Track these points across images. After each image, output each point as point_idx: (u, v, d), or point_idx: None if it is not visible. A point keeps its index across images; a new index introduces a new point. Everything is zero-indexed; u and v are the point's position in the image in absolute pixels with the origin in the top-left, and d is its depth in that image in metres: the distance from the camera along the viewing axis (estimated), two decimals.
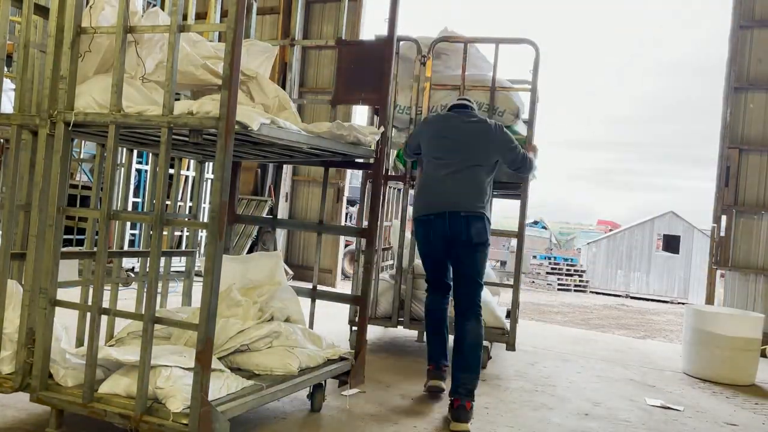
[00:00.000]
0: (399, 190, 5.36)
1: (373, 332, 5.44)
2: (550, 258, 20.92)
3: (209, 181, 8.03)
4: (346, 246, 12.36)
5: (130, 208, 6.80)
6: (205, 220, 2.33)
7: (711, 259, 7.35)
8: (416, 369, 4.36)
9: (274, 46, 3.51)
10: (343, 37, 3.51)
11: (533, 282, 18.54)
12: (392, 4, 3.33)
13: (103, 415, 2.38)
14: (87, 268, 3.59)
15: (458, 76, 4.65)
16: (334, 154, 3.19)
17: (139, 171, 8.03)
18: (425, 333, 4.02)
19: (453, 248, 3.49)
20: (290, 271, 9.40)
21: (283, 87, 3.58)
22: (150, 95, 2.71)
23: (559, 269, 19.13)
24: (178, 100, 2.68)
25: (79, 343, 3.03)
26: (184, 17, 3.08)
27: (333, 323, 5.08)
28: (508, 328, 4.74)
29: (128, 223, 4.13)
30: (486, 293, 4.51)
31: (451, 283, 3.68)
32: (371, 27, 9.48)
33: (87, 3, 2.62)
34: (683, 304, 13.98)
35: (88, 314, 2.58)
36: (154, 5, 7.65)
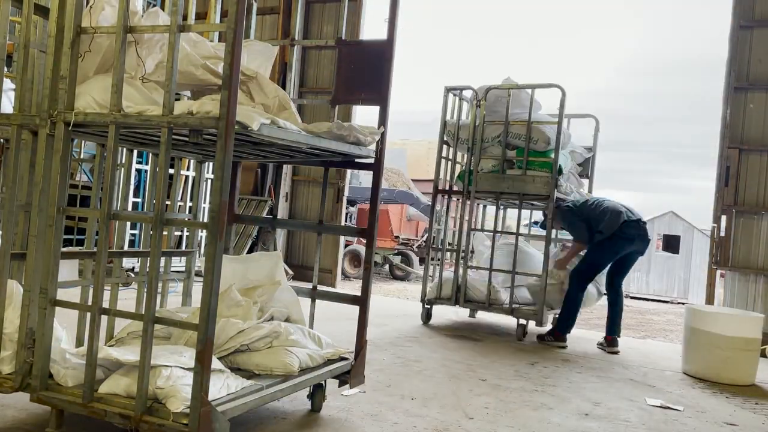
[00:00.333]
0: (459, 201, 6.79)
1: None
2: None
3: (209, 181, 8.03)
4: (346, 246, 12.37)
5: (130, 208, 6.81)
6: (205, 220, 2.33)
7: (711, 259, 7.35)
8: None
9: (274, 46, 3.51)
10: (343, 37, 3.51)
11: None
12: (392, 4, 3.33)
13: (103, 415, 2.38)
14: (87, 268, 3.59)
15: (506, 114, 6.26)
16: (334, 154, 3.19)
17: (139, 171, 8.04)
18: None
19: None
20: (290, 271, 9.40)
21: (283, 87, 3.58)
22: (150, 95, 2.71)
23: None
24: (178, 100, 2.68)
25: (79, 343, 3.03)
26: (184, 17, 3.07)
27: (333, 323, 5.08)
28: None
29: (128, 223, 4.13)
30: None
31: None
32: (371, 27, 9.51)
33: (87, 3, 2.61)
34: (683, 304, 13.97)
35: (88, 314, 2.58)
36: (154, 5, 7.65)
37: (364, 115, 9.15)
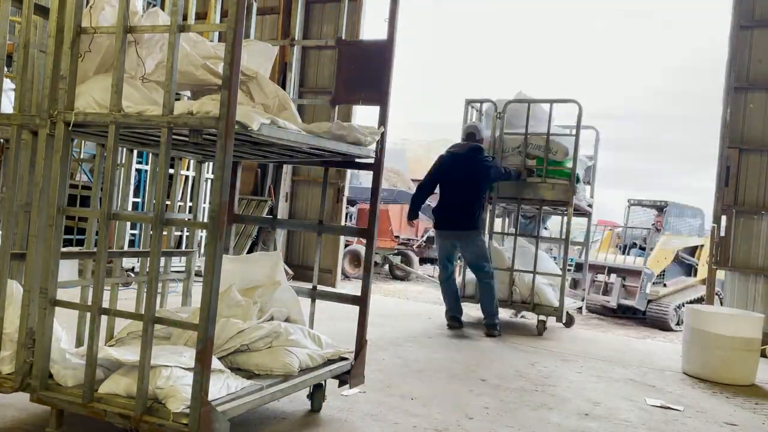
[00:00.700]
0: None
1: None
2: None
3: (209, 181, 8.03)
4: (346, 246, 12.36)
5: (130, 208, 6.80)
6: (205, 220, 2.33)
7: (711, 259, 7.34)
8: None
9: (274, 46, 3.51)
10: (343, 37, 3.51)
11: None
12: (392, 4, 3.33)
13: (103, 415, 2.38)
14: (87, 268, 3.59)
15: (524, 126, 6.67)
16: (334, 154, 3.19)
17: (139, 171, 8.03)
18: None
19: None
20: (290, 271, 9.40)
21: (283, 87, 3.57)
22: (150, 95, 2.71)
23: None
24: (178, 100, 2.68)
25: (79, 343, 3.03)
26: (184, 17, 3.07)
27: (333, 323, 5.08)
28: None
29: (128, 223, 4.13)
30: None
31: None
32: (371, 27, 9.50)
33: (87, 3, 2.61)
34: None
35: (88, 314, 2.58)
36: (154, 5, 7.65)
37: (364, 116, 9.14)
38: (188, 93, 3.28)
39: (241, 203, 9.63)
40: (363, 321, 3.36)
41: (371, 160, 3.35)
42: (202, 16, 8.89)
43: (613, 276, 10.27)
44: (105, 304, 2.60)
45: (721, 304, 8.06)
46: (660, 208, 11.11)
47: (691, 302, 9.97)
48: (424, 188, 6.47)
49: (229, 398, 2.54)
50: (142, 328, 2.38)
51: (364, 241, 3.59)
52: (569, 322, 7.21)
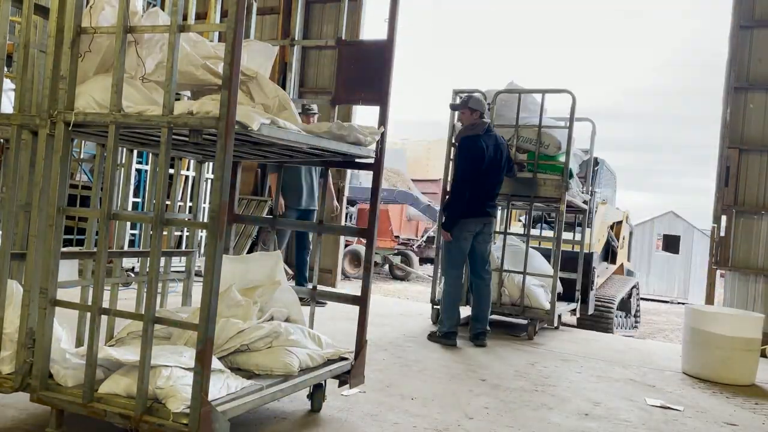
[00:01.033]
0: None
1: None
2: None
3: (209, 181, 8.03)
4: (346, 246, 12.37)
5: (130, 208, 6.80)
6: (205, 220, 2.33)
7: (711, 259, 7.35)
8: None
9: (274, 46, 3.51)
10: (343, 37, 3.51)
11: None
12: (392, 4, 3.33)
13: (103, 415, 2.38)
14: (87, 268, 3.59)
15: (516, 117, 6.29)
16: (334, 154, 3.19)
17: (139, 171, 8.03)
18: None
19: None
20: (290, 271, 9.40)
21: (283, 87, 3.57)
22: (150, 95, 2.71)
23: None
24: (178, 100, 2.68)
25: (79, 343, 3.03)
26: (184, 17, 3.07)
27: (333, 323, 5.08)
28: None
29: (128, 223, 4.13)
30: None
31: None
32: (371, 27, 9.50)
33: (87, 3, 2.61)
34: (683, 304, 13.95)
35: (88, 314, 2.58)
36: (154, 5, 7.65)
37: (364, 116, 9.15)
38: (188, 93, 3.28)
39: (241, 203, 9.63)
40: (363, 321, 3.36)
41: (371, 160, 3.35)
42: (202, 16, 8.89)
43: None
44: (105, 304, 2.60)
45: None
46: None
47: (624, 298, 8.39)
48: (473, 183, 5.43)
49: (229, 398, 2.54)
50: (142, 328, 2.38)
51: (364, 241, 3.59)
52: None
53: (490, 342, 5.87)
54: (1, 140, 6.40)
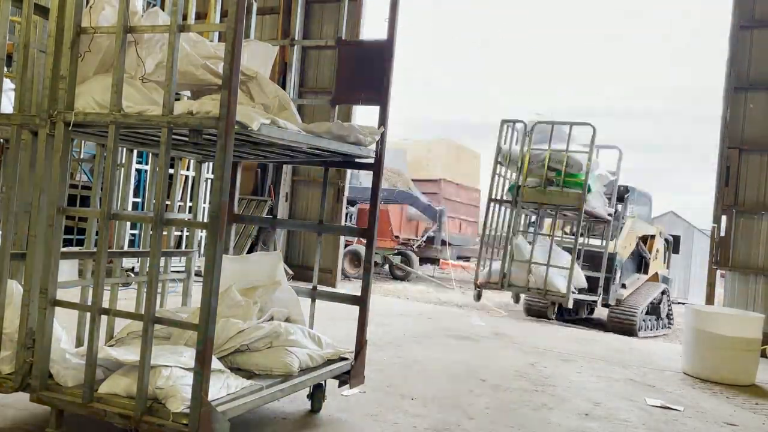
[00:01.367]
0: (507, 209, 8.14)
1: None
2: None
3: (209, 181, 8.03)
4: (346, 246, 12.35)
5: (130, 208, 6.79)
6: (205, 220, 2.33)
7: (711, 259, 7.34)
8: None
9: (274, 46, 3.51)
10: (343, 37, 3.51)
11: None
12: (392, 4, 3.33)
13: (103, 415, 2.38)
14: (87, 268, 3.59)
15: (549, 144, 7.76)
16: (334, 154, 3.19)
17: (139, 171, 8.03)
18: None
19: None
20: (290, 271, 9.40)
21: (283, 87, 3.57)
22: (150, 95, 2.71)
23: None
24: (178, 100, 2.68)
25: (79, 343, 3.03)
26: (184, 17, 3.07)
27: (333, 323, 5.08)
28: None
29: (128, 223, 4.13)
30: None
31: None
32: (371, 27, 9.50)
33: (87, 3, 2.61)
34: (683, 304, 13.95)
35: (88, 314, 2.57)
36: (154, 5, 7.65)
37: (364, 116, 9.14)
38: (188, 93, 3.28)
39: (241, 203, 9.63)
40: (363, 321, 3.36)
41: (371, 160, 3.35)
42: (202, 16, 8.88)
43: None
44: (105, 304, 2.60)
45: None
46: (620, 196, 9.61)
47: (654, 303, 9.51)
48: None
49: (229, 398, 2.54)
50: (142, 328, 2.38)
51: (364, 241, 3.58)
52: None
53: (490, 342, 5.87)
54: (1, 140, 6.40)
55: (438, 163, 18.90)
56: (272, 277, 3.53)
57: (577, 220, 7.73)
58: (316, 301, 3.62)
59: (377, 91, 3.32)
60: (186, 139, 2.56)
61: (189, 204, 8.10)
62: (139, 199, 8.02)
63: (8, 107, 4.78)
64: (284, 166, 9.77)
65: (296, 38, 3.83)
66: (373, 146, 3.26)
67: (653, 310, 9.84)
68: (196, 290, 3.08)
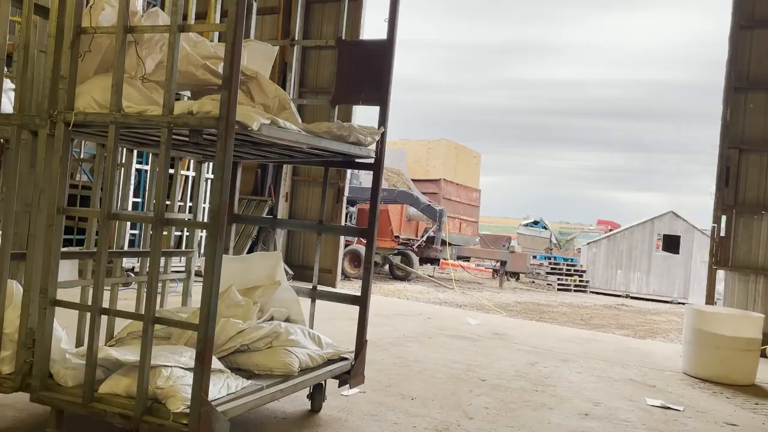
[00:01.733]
0: None
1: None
2: (550, 258, 20.91)
3: (209, 181, 8.02)
4: (346, 246, 12.35)
5: (130, 208, 6.79)
6: (205, 220, 2.33)
7: (711, 259, 7.34)
8: None
9: (274, 46, 3.51)
10: (343, 37, 3.51)
11: (533, 282, 18.53)
12: (392, 4, 3.33)
13: (103, 415, 2.38)
14: (87, 268, 3.59)
15: None
16: (334, 154, 3.19)
17: (139, 171, 8.03)
18: None
19: None
20: (290, 271, 9.40)
21: (283, 87, 3.57)
22: (150, 95, 2.71)
23: (559, 269, 19.11)
24: (178, 100, 2.68)
25: (79, 343, 3.03)
26: (184, 17, 3.07)
27: (333, 323, 5.08)
28: None
29: (128, 223, 4.13)
30: None
31: None
32: (371, 27, 9.51)
33: (87, 3, 2.61)
34: (683, 304, 13.96)
35: (88, 314, 2.57)
36: (154, 5, 7.65)
37: (364, 116, 9.15)
38: (188, 93, 3.28)
39: (241, 203, 9.63)
40: (363, 321, 3.36)
41: (371, 160, 3.35)
42: (202, 16, 8.88)
43: None
44: (105, 304, 2.60)
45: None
46: None
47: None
48: None
49: (229, 398, 2.54)
50: (142, 328, 2.38)
51: (364, 241, 3.59)
52: None
53: (489, 342, 5.88)
54: (1, 140, 6.40)
55: (438, 163, 18.91)
56: (272, 277, 3.53)
57: None
58: (316, 301, 3.62)
59: (377, 91, 3.32)
60: (186, 139, 2.56)
61: (189, 204, 8.11)
62: (139, 199, 8.02)
63: (8, 107, 4.79)
64: (284, 166, 9.77)
65: (296, 38, 3.83)
66: (373, 146, 3.26)
67: None
68: (196, 290, 3.08)
